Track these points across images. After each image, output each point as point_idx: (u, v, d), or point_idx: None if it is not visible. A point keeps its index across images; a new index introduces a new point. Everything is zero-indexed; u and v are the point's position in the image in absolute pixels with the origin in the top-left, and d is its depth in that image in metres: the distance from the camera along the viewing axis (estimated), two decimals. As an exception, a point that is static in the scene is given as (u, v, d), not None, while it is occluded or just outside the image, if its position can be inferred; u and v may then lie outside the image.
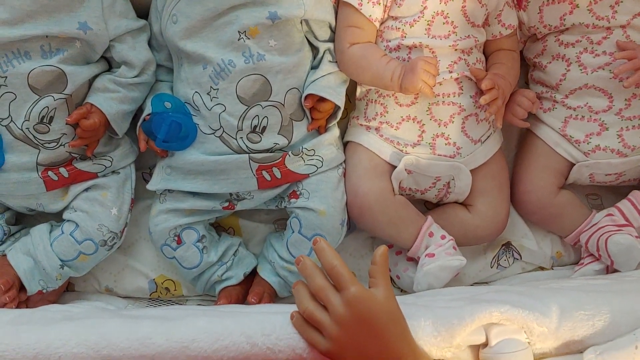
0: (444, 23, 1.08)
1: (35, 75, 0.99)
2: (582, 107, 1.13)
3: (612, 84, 1.11)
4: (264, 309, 0.92)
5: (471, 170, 1.13)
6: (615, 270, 1.13)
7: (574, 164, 1.16)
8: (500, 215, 1.17)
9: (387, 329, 0.75)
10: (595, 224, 1.16)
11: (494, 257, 1.21)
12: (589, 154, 1.14)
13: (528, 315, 0.82)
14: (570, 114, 1.15)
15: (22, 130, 1.01)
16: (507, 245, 1.22)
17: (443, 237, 1.11)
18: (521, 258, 1.22)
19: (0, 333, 0.79)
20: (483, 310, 0.82)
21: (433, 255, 1.09)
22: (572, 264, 1.23)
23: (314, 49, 1.13)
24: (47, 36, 0.99)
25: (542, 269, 1.23)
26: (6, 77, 0.98)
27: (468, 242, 1.17)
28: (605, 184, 1.21)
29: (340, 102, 1.09)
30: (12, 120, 1.01)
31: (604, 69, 1.11)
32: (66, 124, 1.03)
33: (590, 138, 1.13)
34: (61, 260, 1.06)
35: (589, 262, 1.17)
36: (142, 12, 1.12)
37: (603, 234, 1.13)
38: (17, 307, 1.05)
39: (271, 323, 0.81)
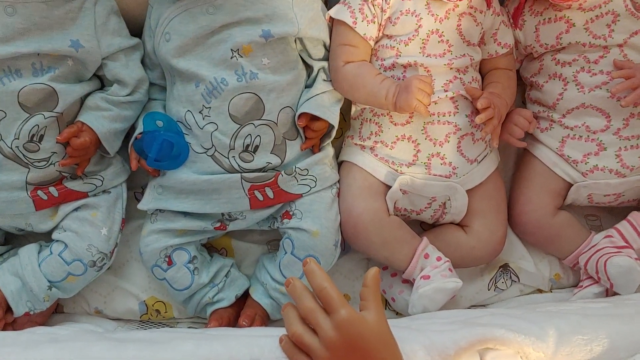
0: (439, 42, 1.07)
1: (26, 94, 0.98)
2: (579, 127, 1.12)
3: (609, 104, 1.09)
4: (254, 332, 0.90)
5: (467, 191, 1.12)
6: (615, 293, 1.10)
7: (572, 185, 1.14)
8: (497, 236, 1.15)
9: (377, 352, 0.73)
10: (594, 245, 1.13)
11: (491, 279, 1.19)
12: (587, 174, 1.12)
13: (524, 339, 0.79)
14: (567, 134, 1.13)
15: (11, 148, 1.00)
16: (505, 267, 1.20)
17: (439, 259, 1.09)
18: (519, 280, 1.19)
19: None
20: (478, 334, 0.79)
21: (428, 277, 1.07)
22: (571, 286, 1.21)
23: (308, 68, 1.12)
24: (38, 54, 0.99)
25: (540, 291, 1.21)
26: (-4, 95, 0.97)
27: (465, 264, 1.14)
28: (604, 205, 1.19)
29: (335, 121, 1.08)
30: (1, 139, 0.99)
31: (601, 88, 1.09)
32: (57, 142, 1.02)
33: (588, 158, 1.12)
34: (49, 281, 1.04)
35: (588, 285, 1.15)
36: (136, 31, 1.12)
37: (602, 255, 1.10)
38: (4, 329, 1.03)
39: (260, 347, 0.78)
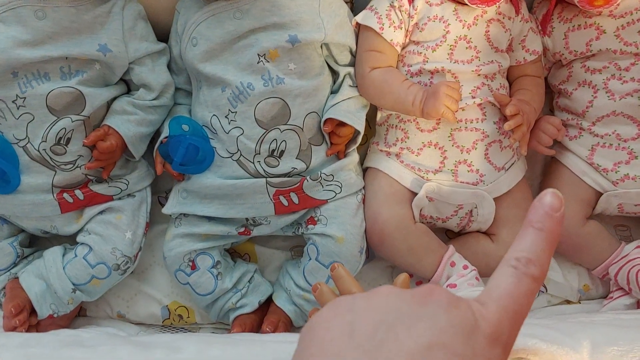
0: (466, 48, 1.06)
1: (54, 97, 0.99)
2: (610, 135, 1.10)
3: (641, 111, 1.07)
4: (279, 337, 0.89)
5: (495, 199, 1.10)
6: (647, 305, 1.08)
7: (602, 194, 1.12)
8: (525, 245, 1.12)
9: None
10: (625, 256, 1.11)
11: (518, 289, 1.17)
12: (617, 183, 1.10)
13: (557, 350, 0.77)
14: (597, 142, 1.11)
15: (38, 151, 1.00)
16: (532, 277, 1.17)
17: (465, 267, 1.07)
18: (547, 290, 1.17)
19: (10, 356, 0.77)
20: (509, 344, 0.78)
21: (455, 285, 1.05)
22: (599, 297, 1.18)
23: (334, 73, 1.11)
24: (67, 58, 0.99)
25: (568, 302, 1.18)
26: (25, 97, 0.98)
27: (491, 273, 1.12)
28: (635, 215, 1.16)
29: (360, 126, 1.07)
30: (29, 141, 1.00)
31: (632, 96, 1.07)
32: (83, 145, 1.02)
33: (618, 167, 1.10)
34: (73, 284, 1.04)
35: (619, 296, 1.12)
36: (162, 36, 1.12)
37: (633, 266, 1.08)
38: (27, 331, 1.03)
39: (286, 353, 0.77)
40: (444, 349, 0.37)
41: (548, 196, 0.45)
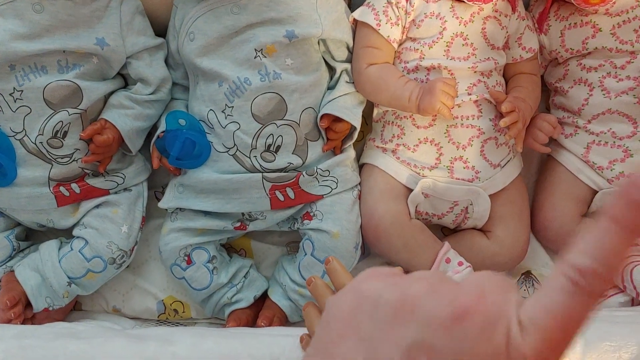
0: (463, 45, 1.07)
1: (51, 90, 0.99)
2: (605, 133, 1.10)
3: (636, 109, 1.08)
4: (274, 331, 0.89)
5: (490, 196, 1.10)
6: (641, 303, 1.08)
7: (597, 192, 1.12)
8: (520, 242, 1.13)
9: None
10: (620, 253, 1.11)
11: (513, 286, 1.17)
12: (612, 180, 1.11)
13: (550, 345, 0.78)
14: (593, 140, 1.12)
15: (35, 144, 1.00)
16: (527, 274, 1.18)
17: (460, 264, 1.08)
18: (541, 288, 1.17)
19: (4, 347, 0.77)
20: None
21: (450, 282, 1.05)
22: (594, 295, 1.19)
23: (331, 69, 1.12)
24: (64, 51, 0.99)
25: (563, 300, 1.18)
26: (22, 90, 0.98)
27: (486, 270, 1.12)
28: (630, 213, 1.16)
29: (357, 122, 1.07)
30: (26, 134, 1.00)
31: (627, 94, 1.08)
32: (80, 139, 1.02)
33: (614, 165, 1.10)
34: (69, 278, 1.04)
35: (613, 294, 1.12)
36: (160, 30, 1.12)
37: (628, 264, 1.08)
38: (23, 324, 1.03)
39: (280, 346, 0.78)
40: None
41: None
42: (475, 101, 1.07)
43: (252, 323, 1.09)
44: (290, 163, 1.04)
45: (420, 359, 0.32)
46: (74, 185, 1.05)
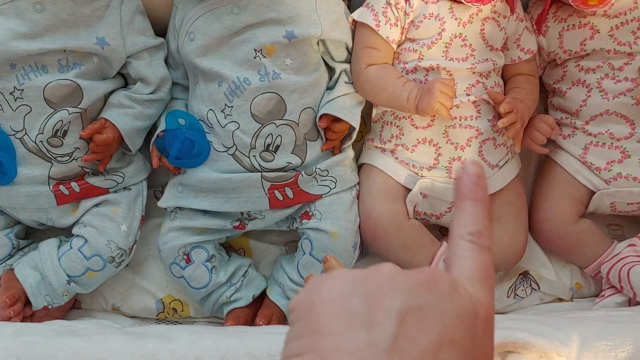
0: (462, 46, 1.07)
1: (51, 89, 0.99)
2: (603, 134, 1.11)
3: (634, 111, 1.08)
4: (272, 329, 0.89)
5: (488, 196, 1.10)
6: (638, 303, 1.08)
7: (595, 192, 1.13)
8: (518, 243, 1.13)
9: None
10: (617, 254, 1.12)
11: (510, 287, 1.17)
12: (610, 181, 1.11)
13: (547, 343, 0.78)
14: (590, 141, 1.12)
15: (35, 143, 1.01)
16: (525, 274, 1.18)
17: (458, 264, 1.08)
18: (539, 288, 1.18)
19: (3, 344, 0.77)
20: (499, 337, 0.78)
21: (448, 281, 1.06)
22: (592, 295, 1.19)
23: (330, 70, 1.12)
24: (64, 50, 1.00)
25: (561, 300, 1.19)
26: (23, 89, 0.99)
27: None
28: (627, 214, 1.17)
29: (356, 123, 1.08)
30: (26, 133, 1.00)
31: (625, 95, 1.08)
32: (80, 138, 1.03)
33: (611, 165, 1.11)
34: (68, 276, 1.05)
35: (611, 294, 1.13)
36: (160, 30, 1.13)
37: (625, 264, 1.09)
38: (22, 321, 1.03)
39: (278, 344, 0.78)
40: (452, 346, 0.37)
41: (472, 166, 0.46)
42: (474, 102, 1.08)
43: (251, 322, 1.10)
44: (289, 163, 1.05)
45: (411, 320, 0.37)
46: (73, 184, 1.05)
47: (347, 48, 1.12)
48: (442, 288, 0.39)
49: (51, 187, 1.04)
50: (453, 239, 0.44)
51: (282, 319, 1.10)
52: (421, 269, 0.41)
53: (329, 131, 1.07)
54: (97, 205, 1.08)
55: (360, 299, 0.39)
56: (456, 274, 0.42)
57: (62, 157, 1.03)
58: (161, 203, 1.11)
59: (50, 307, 1.06)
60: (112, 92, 1.08)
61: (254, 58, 1.03)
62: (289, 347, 0.39)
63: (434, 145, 1.09)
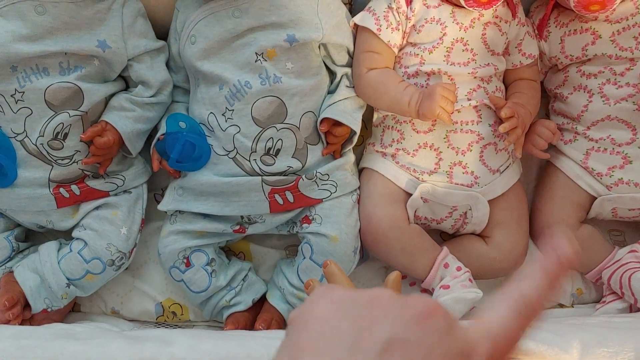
0: (463, 50, 1.07)
1: (52, 92, 0.99)
2: (604, 139, 1.10)
3: (635, 116, 1.08)
4: (271, 334, 0.89)
5: (489, 201, 1.11)
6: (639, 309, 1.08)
7: (596, 198, 1.13)
8: (519, 248, 1.13)
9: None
10: (618, 260, 1.11)
11: (511, 292, 1.17)
12: (611, 187, 1.11)
13: (547, 350, 0.78)
14: (592, 146, 1.12)
15: (36, 145, 1.01)
16: (526, 280, 1.17)
17: (459, 269, 1.08)
18: (540, 294, 1.17)
19: (2, 347, 0.77)
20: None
21: (448, 286, 1.05)
22: (593, 301, 1.19)
23: (332, 74, 1.12)
24: (66, 53, 1.00)
25: (561, 306, 1.19)
26: (24, 92, 0.99)
27: (485, 275, 1.13)
28: (629, 220, 1.17)
29: (357, 127, 1.08)
30: (26, 136, 1.00)
31: (627, 101, 1.08)
32: (80, 140, 1.03)
33: (613, 171, 1.10)
34: (68, 279, 1.04)
35: (612, 300, 1.12)
36: (162, 33, 1.13)
37: (626, 270, 1.08)
38: (21, 324, 1.03)
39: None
40: None
41: (565, 245, 0.43)
42: (475, 106, 1.07)
43: (251, 326, 1.09)
44: (290, 167, 1.05)
45: (395, 352, 0.37)
46: (74, 187, 1.05)
47: (348, 52, 1.12)
48: (436, 325, 0.39)
49: (51, 190, 1.03)
50: (506, 293, 0.43)
51: (282, 324, 1.09)
52: (424, 300, 0.41)
53: (330, 135, 1.07)
54: (97, 208, 1.08)
55: (351, 322, 0.39)
56: (478, 319, 0.42)
57: (62, 159, 1.03)
58: (161, 206, 1.10)
59: (49, 310, 1.05)
60: (113, 95, 1.08)
61: (255, 61, 1.03)
62: (277, 358, 0.40)
63: (435, 149, 1.09)
